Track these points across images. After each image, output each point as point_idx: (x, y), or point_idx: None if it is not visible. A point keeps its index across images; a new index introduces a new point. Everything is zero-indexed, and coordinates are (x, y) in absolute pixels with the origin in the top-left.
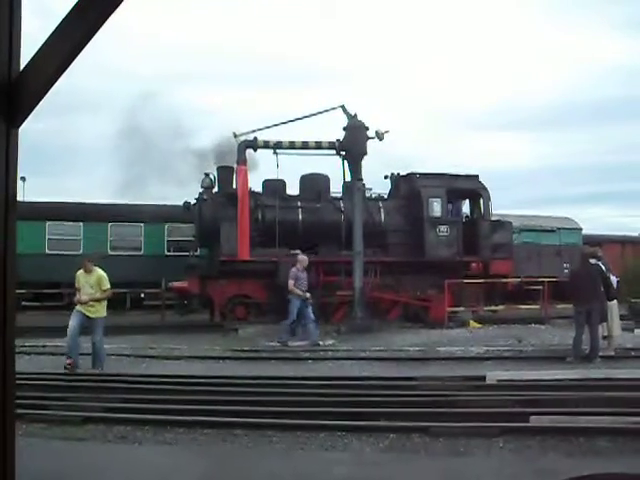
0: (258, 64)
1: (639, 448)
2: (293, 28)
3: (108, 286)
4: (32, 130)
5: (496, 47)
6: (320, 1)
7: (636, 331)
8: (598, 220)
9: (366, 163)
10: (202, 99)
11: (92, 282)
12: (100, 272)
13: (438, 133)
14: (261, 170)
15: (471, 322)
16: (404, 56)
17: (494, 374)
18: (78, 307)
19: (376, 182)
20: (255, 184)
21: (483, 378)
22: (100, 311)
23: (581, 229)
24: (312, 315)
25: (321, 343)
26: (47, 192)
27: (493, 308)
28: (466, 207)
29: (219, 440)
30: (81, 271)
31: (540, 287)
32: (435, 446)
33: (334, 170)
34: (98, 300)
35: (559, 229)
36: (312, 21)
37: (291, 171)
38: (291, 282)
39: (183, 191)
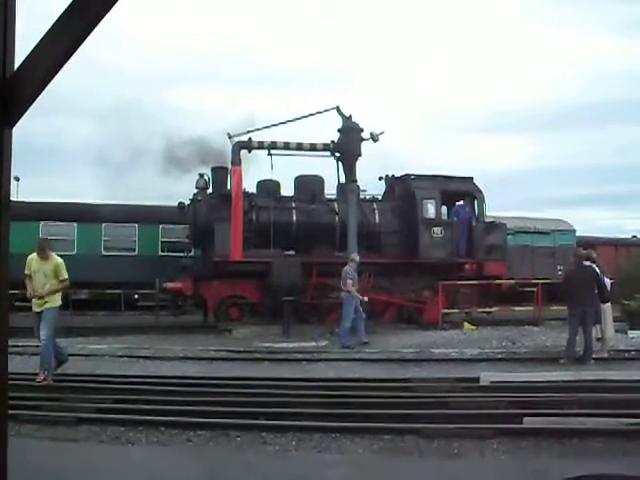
0: (257, 63)
1: (632, 449)
2: (292, 28)
3: (66, 275)
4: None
5: (492, 48)
6: (320, 1)
7: (629, 333)
8: (592, 222)
9: (360, 164)
10: (200, 100)
11: (48, 270)
12: (58, 259)
13: (433, 135)
14: (256, 171)
15: (465, 324)
16: (400, 58)
17: (488, 375)
18: (35, 307)
19: (370, 183)
20: (250, 185)
21: (477, 379)
22: (52, 301)
23: (575, 231)
24: (363, 314)
25: (366, 341)
26: (38, 192)
27: (487, 310)
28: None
29: (212, 441)
30: (34, 255)
31: (534, 289)
32: (429, 448)
33: (329, 171)
34: (55, 292)
35: (553, 231)
36: (312, 21)
37: (285, 172)
38: (350, 282)
39: (174, 191)
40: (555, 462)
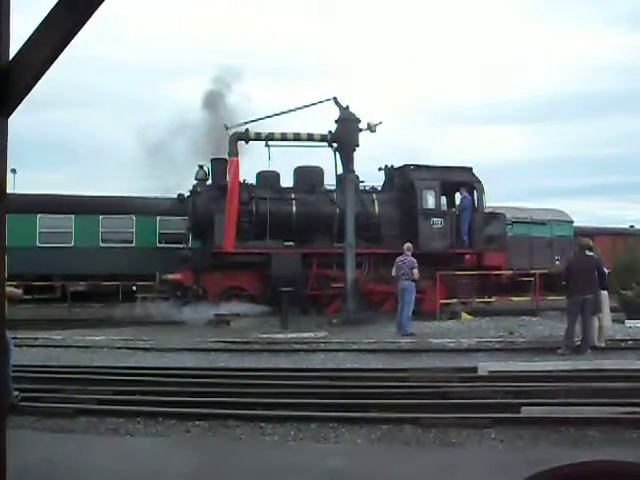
0: (256, 60)
1: (629, 438)
2: (292, 26)
3: None
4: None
5: (489, 40)
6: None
7: (627, 322)
8: (589, 212)
9: (359, 155)
10: (199, 94)
11: None
12: None
13: (430, 126)
14: (257, 162)
15: (463, 314)
16: (394, 50)
17: (486, 365)
18: None
19: (370, 174)
20: (249, 176)
21: (475, 369)
22: None
23: (572, 221)
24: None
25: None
26: (37, 185)
27: (485, 300)
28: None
29: (211, 432)
30: None
31: (531, 279)
32: (427, 437)
33: (329, 162)
34: None
35: (550, 221)
36: (311, 19)
37: (286, 163)
38: (416, 271)
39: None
40: (552, 451)
